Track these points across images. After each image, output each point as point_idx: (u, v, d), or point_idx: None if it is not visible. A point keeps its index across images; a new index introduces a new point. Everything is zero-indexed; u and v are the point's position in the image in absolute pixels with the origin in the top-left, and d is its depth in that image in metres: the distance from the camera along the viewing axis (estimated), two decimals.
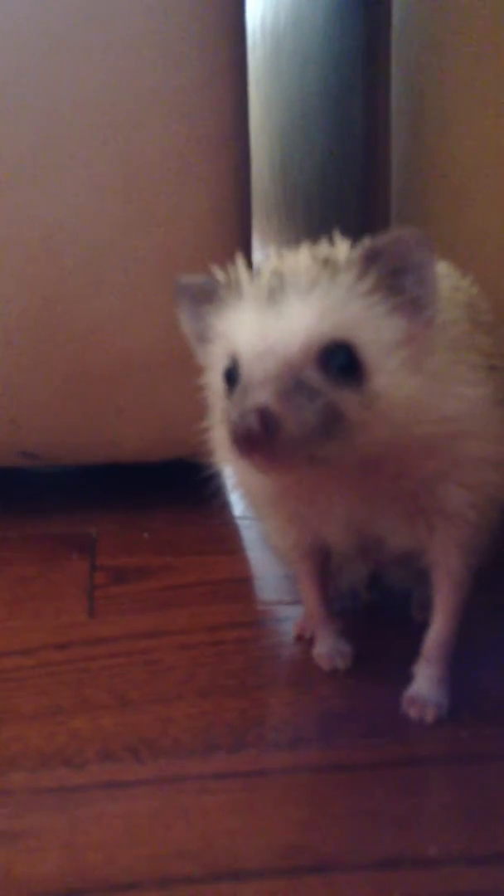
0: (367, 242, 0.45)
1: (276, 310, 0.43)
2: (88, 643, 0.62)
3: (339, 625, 0.59)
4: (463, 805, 0.46)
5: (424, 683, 0.53)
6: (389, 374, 0.43)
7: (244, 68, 0.80)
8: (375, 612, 0.63)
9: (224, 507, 0.82)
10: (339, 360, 0.43)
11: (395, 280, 0.44)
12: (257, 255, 1.58)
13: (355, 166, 1.06)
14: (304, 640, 0.61)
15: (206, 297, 0.48)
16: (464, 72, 0.70)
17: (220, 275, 0.48)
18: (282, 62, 1.35)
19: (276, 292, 0.44)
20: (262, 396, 0.40)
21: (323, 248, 0.48)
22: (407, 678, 0.54)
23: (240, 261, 0.47)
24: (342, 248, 0.46)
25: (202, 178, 0.78)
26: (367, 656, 0.58)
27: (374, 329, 0.44)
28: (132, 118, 0.76)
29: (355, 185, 1.06)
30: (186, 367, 0.80)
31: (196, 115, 0.77)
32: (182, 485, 0.86)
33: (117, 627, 0.64)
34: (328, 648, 0.58)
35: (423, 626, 0.55)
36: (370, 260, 0.44)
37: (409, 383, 0.44)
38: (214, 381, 0.48)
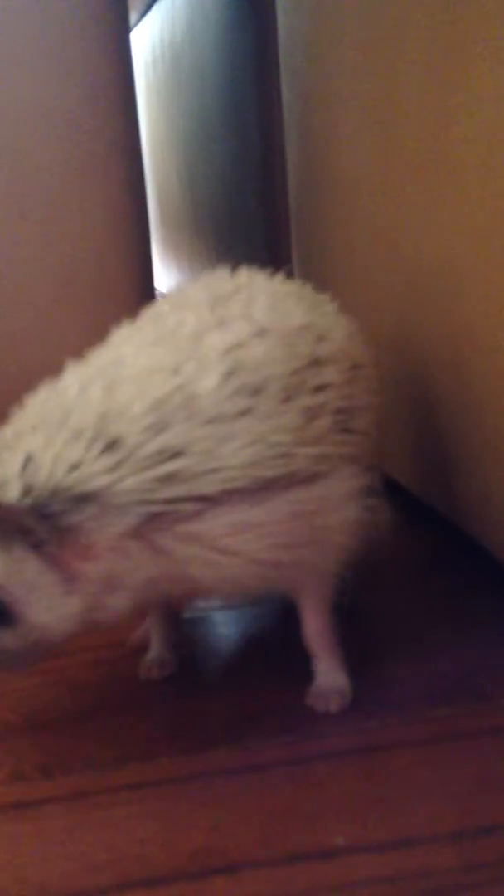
0: None
1: None
2: None
3: (171, 633, 0.60)
4: (369, 795, 0.47)
5: (321, 676, 0.54)
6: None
7: (131, 84, 0.81)
8: (279, 613, 0.64)
9: None
10: None
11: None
12: (160, 266, 1.58)
13: (255, 175, 1.08)
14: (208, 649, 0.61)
15: None
16: (344, 79, 0.72)
17: None
18: (181, 77, 1.36)
19: None
20: None
21: None
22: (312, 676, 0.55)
23: None
24: None
25: (95, 193, 0.78)
26: (274, 658, 0.59)
27: (18, 573, 0.46)
28: (22, 137, 0.76)
29: (256, 192, 1.07)
30: None
31: (85, 131, 0.77)
32: None
33: None
34: (152, 656, 0.59)
35: None
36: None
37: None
38: None
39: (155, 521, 0.46)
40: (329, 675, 0.54)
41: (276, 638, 0.61)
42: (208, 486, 0.46)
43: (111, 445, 0.45)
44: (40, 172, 0.77)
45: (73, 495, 0.45)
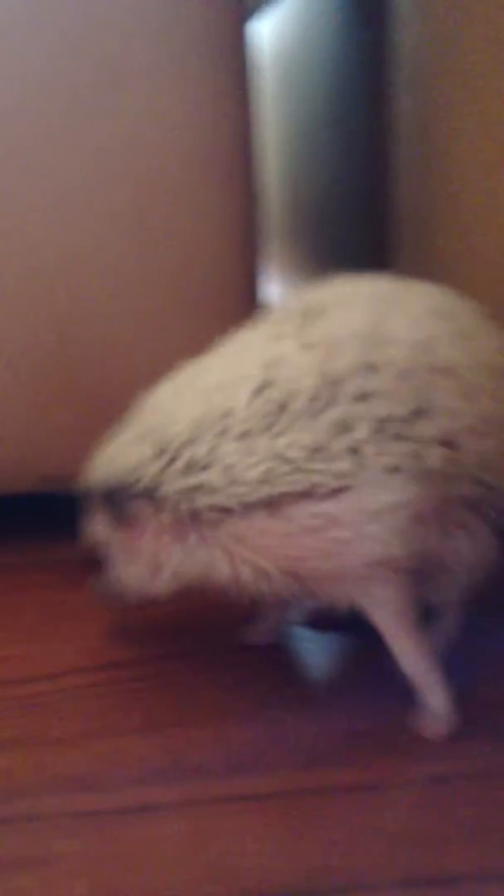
0: None
1: None
2: (113, 667, 0.63)
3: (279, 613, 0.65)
4: (485, 821, 0.47)
5: (425, 701, 0.55)
6: None
7: (248, 88, 0.81)
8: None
9: None
10: None
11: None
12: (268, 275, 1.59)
13: (363, 183, 1.07)
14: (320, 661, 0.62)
15: None
16: (466, 86, 0.72)
17: None
18: (291, 81, 1.36)
19: None
20: None
21: None
22: None
23: None
24: None
25: (211, 198, 0.79)
26: (388, 674, 0.59)
27: (108, 537, 0.59)
28: (140, 141, 0.77)
29: (363, 201, 1.07)
30: None
31: (202, 135, 0.78)
32: None
33: (140, 650, 0.65)
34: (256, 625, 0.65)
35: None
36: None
37: None
38: None
39: (185, 522, 0.53)
40: (426, 698, 0.54)
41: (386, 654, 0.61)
42: (227, 500, 0.51)
43: (159, 454, 0.53)
44: (155, 178, 0.78)
45: (131, 491, 0.54)
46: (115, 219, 0.77)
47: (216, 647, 0.64)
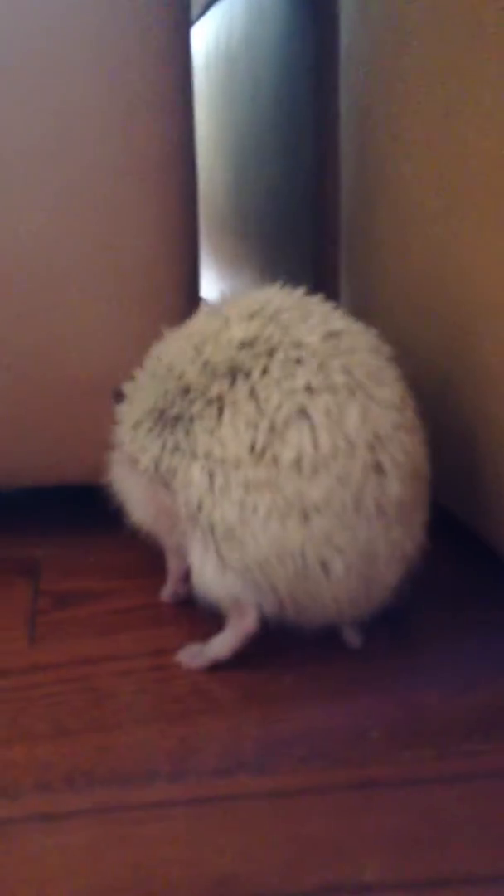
0: None
1: None
2: (28, 671, 0.61)
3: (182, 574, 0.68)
4: (403, 829, 0.46)
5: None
6: None
7: (189, 90, 0.80)
8: (310, 638, 0.63)
9: None
10: None
11: None
12: (207, 272, 1.58)
13: (306, 188, 1.07)
14: (239, 657, 0.60)
15: None
16: (407, 97, 0.71)
17: None
18: (235, 84, 1.35)
19: None
20: None
21: None
22: (351, 701, 0.53)
23: None
24: None
25: (148, 198, 0.77)
26: (309, 681, 0.58)
27: None
28: (75, 140, 0.75)
29: (307, 206, 1.06)
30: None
31: (140, 136, 0.76)
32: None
33: (59, 654, 0.63)
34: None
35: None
36: None
37: None
38: None
39: None
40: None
41: (306, 662, 0.59)
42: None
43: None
44: (92, 174, 0.76)
45: None
46: (50, 216, 0.75)
47: (138, 650, 0.62)
